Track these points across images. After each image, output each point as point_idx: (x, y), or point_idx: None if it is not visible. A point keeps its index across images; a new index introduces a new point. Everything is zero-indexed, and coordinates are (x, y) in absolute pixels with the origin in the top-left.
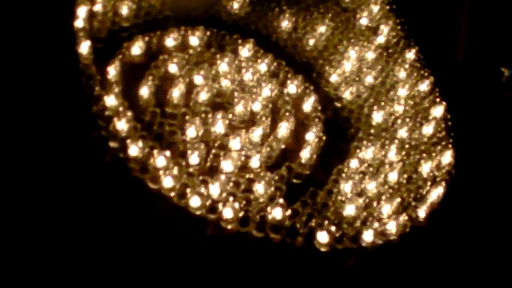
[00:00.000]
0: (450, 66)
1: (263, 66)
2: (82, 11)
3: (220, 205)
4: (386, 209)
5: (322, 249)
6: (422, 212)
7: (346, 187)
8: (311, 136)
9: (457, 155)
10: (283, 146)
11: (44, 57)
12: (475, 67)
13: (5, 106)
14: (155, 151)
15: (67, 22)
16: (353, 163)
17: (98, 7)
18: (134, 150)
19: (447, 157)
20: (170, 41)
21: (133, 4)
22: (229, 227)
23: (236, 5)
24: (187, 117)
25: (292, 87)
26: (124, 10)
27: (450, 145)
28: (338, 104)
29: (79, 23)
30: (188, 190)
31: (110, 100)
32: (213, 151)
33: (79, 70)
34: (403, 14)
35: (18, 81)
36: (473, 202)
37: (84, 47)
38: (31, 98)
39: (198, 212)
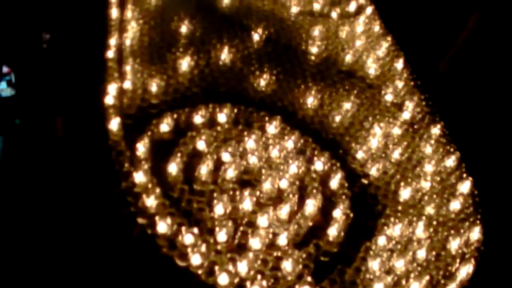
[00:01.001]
0: (475, 140)
1: (289, 143)
2: (112, 88)
3: (248, 283)
4: (415, 287)
5: None
6: None
7: (374, 264)
8: (338, 213)
9: (485, 231)
10: (310, 224)
11: (75, 134)
12: (500, 141)
13: (36, 182)
14: (183, 228)
15: (98, 99)
16: (381, 240)
17: (128, 84)
18: (163, 227)
19: (476, 233)
20: (198, 118)
21: (161, 82)
22: None
23: (263, 82)
24: (215, 194)
25: (319, 164)
26: (153, 87)
27: (478, 221)
28: (365, 181)
29: (109, 100)
30: (216, 268)
31: (139, 177)
32: (241, 228)
33: (109, 146)
34: (428, 90)
35: (51, 157)
36: (503, 280)
37: (114, 123)
38: (62, 173)
39: None
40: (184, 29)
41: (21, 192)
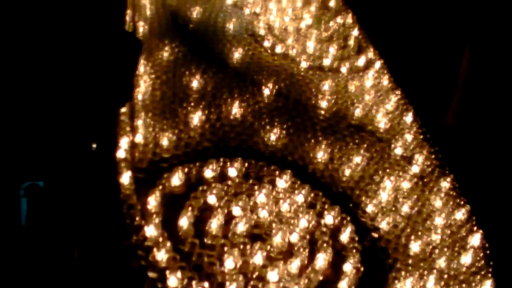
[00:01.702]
0: (485, 192)
1: (300, 197)
2: (124, 142)
3: None
4: None
5: None
6: None
7: None
8: (348, 267)
9: (497, 284)
10: (321, 278)
11: (86, 187)
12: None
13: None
14: (194, 282)
15: (109, 153)
16: None
17: (139, 138)
18: (173, 281)
19: (487, 287)
20: (209, 172)
21: (173, 136)
22: None
23: (273, 137)
24: (225, 248)
25: (329, 218)
26: (165, 141)
27: (489, 274)
28: (375, 235)
29: (121, 153)
30: None
31: (150, 230)
32: (252, 282)
33: (120, 200)
34: (437, 142)
35: (62, 211)
36: None
37: (126, 177)
38: (73, 226)
39: None
40: (195, 83)
41: (42, 255)
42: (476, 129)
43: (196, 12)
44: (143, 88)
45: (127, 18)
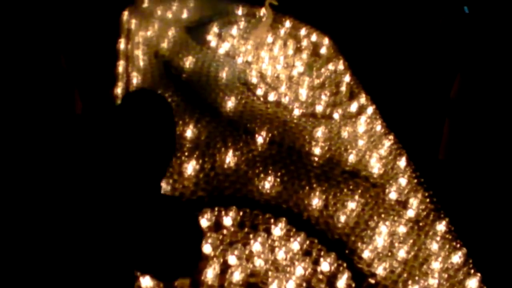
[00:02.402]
0: (482, 235)
1: (295, 245)
2: None
3: None
4: None
5: None
6: None
7: None
8: None
9: None
10: None
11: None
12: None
13: None
14: None
15: None
16: None
17: None
18: None
19: None
20: (204, 222)
21: (167, 186)
22: None
23: (267, 185)
24: None
25: (325, 265)
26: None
27: None
28: (372, 281)
29: None
30: None
31: (146, 282)
32: None
33: None
34: (432, 186)
35: None
36: None
37: None
38: None
39: None
40: (189, 133)
41: None
42: (468, 163)
43: (188, 62)
44: None
45: (120, 69)
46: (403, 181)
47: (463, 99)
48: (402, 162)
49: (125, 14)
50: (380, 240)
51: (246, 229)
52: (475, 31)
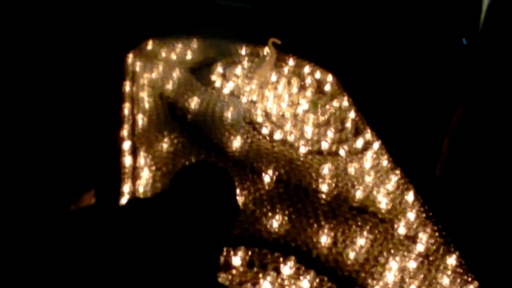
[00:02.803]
0: (493, 267)
1: (305, 283)
2: None
3: None
4: None
5: None
6: None
7: None
8: None
9: None
10: None
11: None
12: None
13: None
14: None
15: None
16: None
17: None
18: None
19: None
20: None
21: None
22: None
23: (275, 224)
24: None
25: None
26: None
27: None
28: None
29: None
30: None
31: None
32: None
33: None
34: (440, 220)
35: None
36: None
37: None
38: None
39: None
40: None
41: None
42: (467, 183)
43: (194, 103)
44: (144, 180)
45: (126, 111)
46: (411, 215)
47: (465, 126)
48: (410, 197)
49: (130, 56)
50: (391, 276)
51: (255, 269)
52: (474, 61)
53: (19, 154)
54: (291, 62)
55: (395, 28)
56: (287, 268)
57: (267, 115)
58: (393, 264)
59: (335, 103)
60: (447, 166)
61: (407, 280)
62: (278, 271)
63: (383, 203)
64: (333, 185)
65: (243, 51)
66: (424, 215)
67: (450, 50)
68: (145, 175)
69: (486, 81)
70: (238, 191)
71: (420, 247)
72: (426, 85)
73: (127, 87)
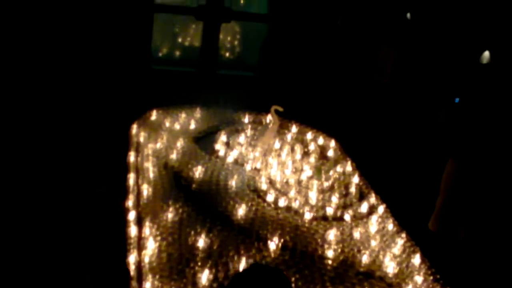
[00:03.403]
0: None
1: None
2: None
3: None
4: None
5: None
6: None
7: None
8: None
9: None
10: None
11: None
12: None
13: None
14: None
15: None
16: None
17: None
18: None
19: None
20: None
21: None
22: None
23: None
24: None
25: None
26: None
27: None
28: None
29: None
30: None
31: None
32: None
33: None
34: (448, 283)
35: None
36: None
37: None
38: None
39: None
40: (201, 243)
41: None
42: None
43: (198, 172)
44: (149, 250)
45: (131, 181)
46: (419, 279)
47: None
48: (416, 260)
49: (134, 127)
50: None
51: None
52: (466, 118)
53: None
54: (293, 128)
55: (394, 91)
56: None
57: (271, 182)
58: None
59: (339, 168)
60: (439, 221)
61: None
62: None
63: (390, 267)
64: (339, 250)
65: (246, 119)
66: (431, 277)
67: (450, 111)
68: (151, 245)
69: (473, 139)
70: (244, 259)
71: None
72: (425, 145)
73: (131, 157)
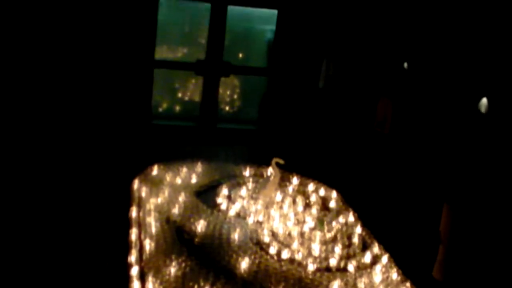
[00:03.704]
0: None
1: None
2: None
3: None
4: None
5: None
6: None
7: None
8: None
9: None
10: None
11: None
12: None
13: None
14: None
15: None
16: None
17: None
18: None
19: None
20: None
21: None
22: None
23: None
24: None
25: None
26: None
27: None
28: None
29: None
30: None
31: None
32: None
33: None
34: None
35: None
36: None
37: None
38: None
39: None
40: None
41: None
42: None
43: (200, 226)
44: None
45: (133, 237)
46: None
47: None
48: None
49: (136, 182)
50: None
51: None
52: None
53: None
54: (295, 180)
55: (395, 143)
56: None
57: (274, 235)
58: None
59: (341, 219)
60: (444, 269)
61: None
62: None
63: None
64: None
65: (247, 172)
66: None
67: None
68: None
69: (465, 184)
70: None
71: None
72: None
73: (133, 212)
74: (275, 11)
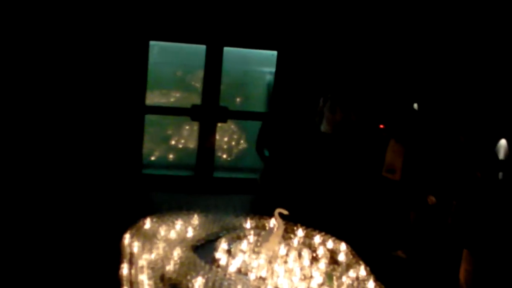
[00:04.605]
0: None
1: None
2: None
3: None
4: None
5: None
6: None
7: None
8: None
9: None
10: None
11: None
12: None
13: None
14: None
15: None
16: None
17: None
18: None
19: None
20: None
21: None
22: None
23: None
24: None
25: None
26: None
27: None
28: None
29: None
30: None
31: None
32: None
33: None
34: None
35: None
36: None
37: None
38: None
39: None
40: None
41: None
42: None
43: (198, 284)
44: None
45: None
46: None
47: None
48: None
49: (127, 237)
50: None
51: None
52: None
53: None
54: (300, 232)
55: (408, 189)
56: None
57: None
58: None
59: (352, 274)
60: None
61: None
62: None
63: None
64: None
65: (247, 225)
66: None
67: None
68: None
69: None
70: None
71: None
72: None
73: (125, 270)
74: (274, 52)
